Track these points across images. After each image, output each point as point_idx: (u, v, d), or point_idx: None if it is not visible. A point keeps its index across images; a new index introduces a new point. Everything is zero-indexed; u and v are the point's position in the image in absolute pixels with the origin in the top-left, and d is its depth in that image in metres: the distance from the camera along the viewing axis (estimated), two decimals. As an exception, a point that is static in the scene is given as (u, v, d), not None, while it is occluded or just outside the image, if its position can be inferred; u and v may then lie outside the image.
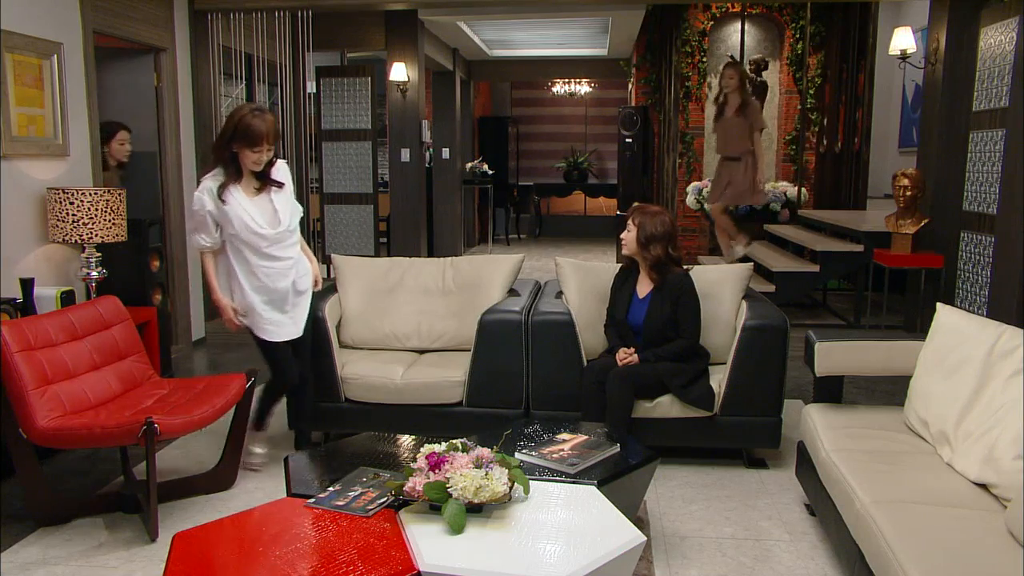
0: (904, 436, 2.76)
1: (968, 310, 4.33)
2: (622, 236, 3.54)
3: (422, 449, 2.28)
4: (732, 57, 8.63)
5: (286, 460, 2.73)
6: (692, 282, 3.48)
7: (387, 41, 7.49)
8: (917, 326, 5.52)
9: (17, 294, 3.92)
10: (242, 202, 3.32)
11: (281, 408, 3.87)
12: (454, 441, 2.33)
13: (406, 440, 2.87)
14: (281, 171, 3.47)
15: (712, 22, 8.91)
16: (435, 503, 2.14)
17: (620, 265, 3.69)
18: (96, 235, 4.13)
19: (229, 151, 3.30)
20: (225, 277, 3.43)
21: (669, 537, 2.95)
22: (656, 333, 3.45)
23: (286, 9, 6.08)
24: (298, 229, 3.52)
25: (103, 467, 3.62)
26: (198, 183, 3.41)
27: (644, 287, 3.54)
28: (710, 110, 9.14)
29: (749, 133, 6.22)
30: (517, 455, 2.60)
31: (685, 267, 3.54)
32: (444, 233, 9.85)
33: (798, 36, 8.71)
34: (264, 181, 3.39)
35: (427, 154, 9.31)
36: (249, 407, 3.39)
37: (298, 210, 3.52)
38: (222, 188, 3.30)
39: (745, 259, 6.66)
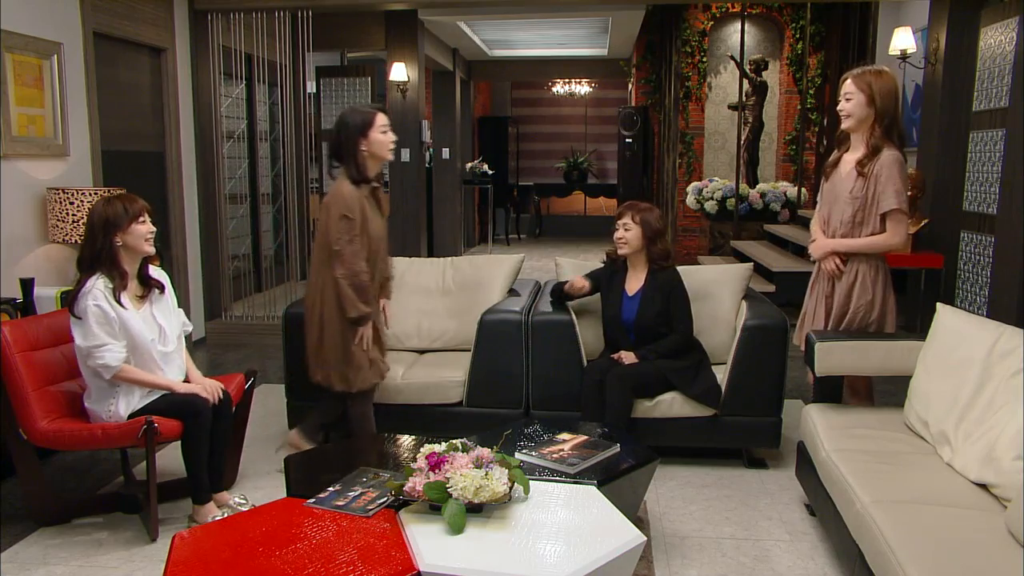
0: (904, 436, 2.76)
1: (968, 310, 4.33)
2: (619, 237, 3.48)
3: (422, 449, 2.28)
4: (733, 57, 8.64)
5: (286, 460, 2.73)
6: (680, 275, 3.52)
7: (387, 41, 7.49)
8: (917, 326, 5.51)
9: (17, 294, 3.92)
10: (132, 313, 2.92)
11: (280, 407, 3.88)
12: (454, 441, 2.32)
13: (406, 440, 2.87)
14: (157, 270, 3.10)
15: (712, 22, 8.92)
16: (435, 503, 2.14)
17: (604, 262, 3.67)
18: (96, 235, 4.12)
19: (109, 246, 2.88)
20: (107, 391, 2.94)
21: (669, 537, 2.95)
22: (648, 329, 3.46)
23: (286, 9, 6.07)
24: (183, 346, 3.13)
25: (103, 467, 3.62)
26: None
27: (633, 284, 3.54)
28: (710, 110, 9.18)
29: (863, 209, 3.10)
30: (517, 455, 2.60)
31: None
32: (444, 233, 9.85)
33: (798, 36, 8.71)
34: (146, 285, 3.02)
35: (427, 154, 9.31)
36: (248, 407, 3.39)
37: (184, 320, 3.15)
38: (116, 291, 2.88)
39: (745, 259, 6.65)
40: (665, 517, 3.11)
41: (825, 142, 8.63)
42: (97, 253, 2.90)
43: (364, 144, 3.28)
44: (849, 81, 3.10)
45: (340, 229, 3.15)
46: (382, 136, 3.30)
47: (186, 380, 3.09)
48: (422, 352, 4.01)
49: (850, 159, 3.15)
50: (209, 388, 3.02)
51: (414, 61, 7.46)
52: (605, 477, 2.53)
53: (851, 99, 3.09)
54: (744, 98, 8.30)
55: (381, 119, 3.31)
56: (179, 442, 2.98)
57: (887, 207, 3.05)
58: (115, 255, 2.91)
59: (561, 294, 3.67)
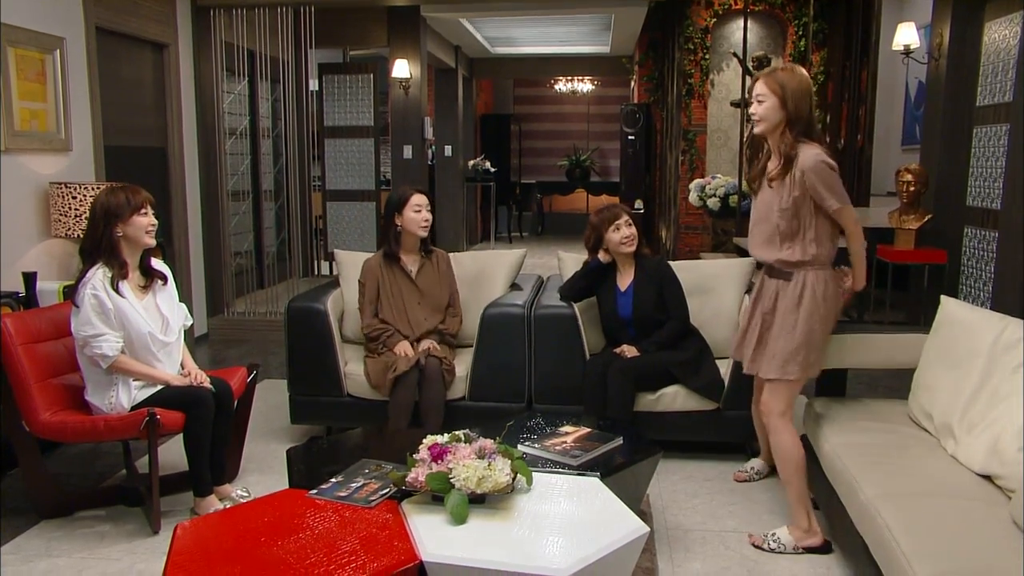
0: (908, 429, 2.75)
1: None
2: (629, 236, 3.48)
3: (424, 440, 2.27)
4: (735, 54, 8.62)
5: (288, 452, 2.73)
6: (667, 262, 3.60)
7: (389, 38, 7.48)
8: (920, 322, 5.50)
9: (20, 288, 3.92)
10: (133, 303, 2.93)
11: (283, 400, 3.88)
12: (457, 432, 2.32)
13: (409, 432, 2.86)
14: (159, 263, 3.12)
15: (715, 19, 8.90)
16: (437, 494, 2.14)
17: (591, 265, 3.60)
18: (98, 229, 4.12)
19: (109, 236, 2.90)
20: (104, 381, 2.93)
21: (672, 530, 2.94)
22: (648, 320, 3.47)
23: (289, 5, 6.07)
24: (182, 339, 3.14)
25: (105, 460, 3.62)
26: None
27: (624, 279, 3.56)
28: (713, 107, 9.16)
29: (796, 217, 2.77)
30: (520, 447, 2.59)
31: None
32: (446, 231, 9.84)
33: (801, 33, 8.69)
34: (148, 276, 3.03)
35: (429, 151, 9.31)
36: (251, 401, 3.39)
37: (185, 314, 3.16)
38: (114, 280, 2.88)
39: (745, 254, 6.61)
40: (668, 510, 3.10)
41: (828, 139, 8.62)
42: (98, 242, 2.91)
43: (398, 220, 3.67)
44: (760, 82, 2.81)
45: (358, 291, 3.73)
46: (414, 214, 3.65)
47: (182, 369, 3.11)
48: (424, 347, 4.00)
49: (774, 166, 2.83)
50: (199, 375, 3.07)
51: (416, 58, 7.45)
52: (608, 469, 2.53)
53: (763, 101, 2.78)
54: (747, 95, 8.28)
55: (416, 199, 3.66)
56: (181, 435, 2.98)
57: (832, 207, 2.74)
58: (115, 245, 2.91)
59: (599, 267, 3.56)
